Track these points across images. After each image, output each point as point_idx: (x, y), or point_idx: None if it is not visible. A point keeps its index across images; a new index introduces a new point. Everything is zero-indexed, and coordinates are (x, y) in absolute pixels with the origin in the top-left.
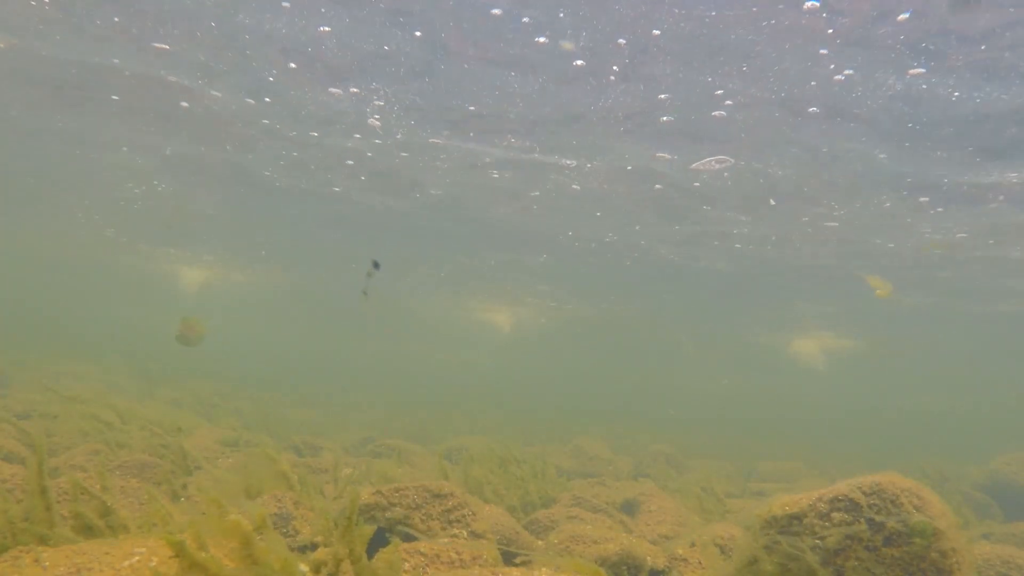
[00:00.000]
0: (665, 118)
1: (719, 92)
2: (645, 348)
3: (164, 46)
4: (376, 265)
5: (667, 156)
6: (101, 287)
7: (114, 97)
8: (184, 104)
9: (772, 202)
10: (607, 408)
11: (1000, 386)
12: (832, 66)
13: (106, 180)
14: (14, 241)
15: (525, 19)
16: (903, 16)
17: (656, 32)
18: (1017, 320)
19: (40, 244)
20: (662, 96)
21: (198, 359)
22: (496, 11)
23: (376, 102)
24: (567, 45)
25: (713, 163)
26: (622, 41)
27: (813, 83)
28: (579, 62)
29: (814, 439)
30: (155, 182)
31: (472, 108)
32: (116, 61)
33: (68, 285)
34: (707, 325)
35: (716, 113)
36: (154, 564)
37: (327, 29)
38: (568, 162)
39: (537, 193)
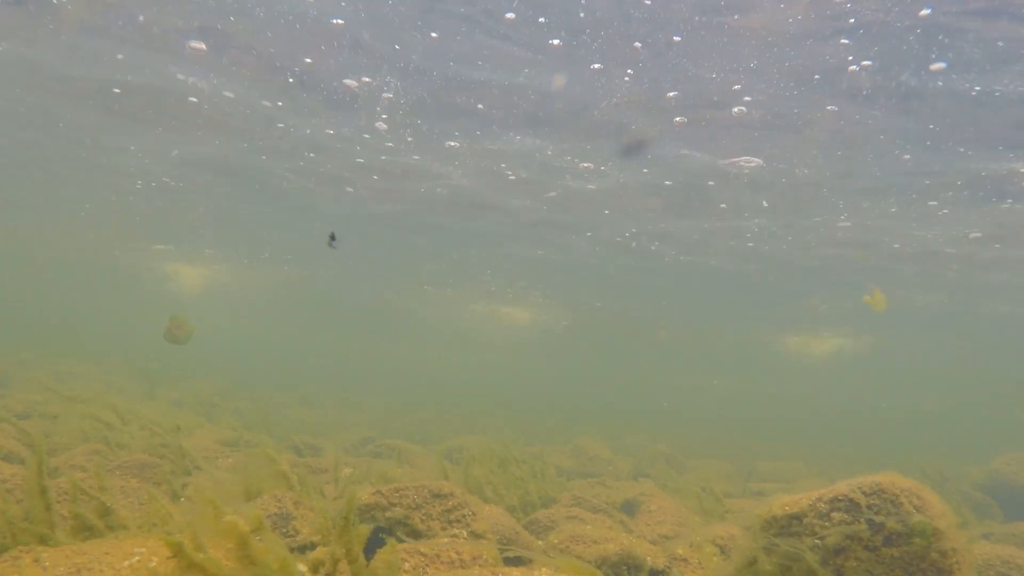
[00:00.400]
0: (679, 119)
1: (736, 87)
2: (644, 348)
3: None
4: (333, 237)
5: (692, 153)
6: (101, 287)
7: (115, 90)
8: (193, 99)
9: (764, 204)
10: (606, 408)
11: (1000, 386)
12: (851, 57)
13: (110, 179)
14: (15, 241)
15: (541, 19)
16: (924, 12)
17: (676, 38)
18: (1018, 319)
19: (41, 244)
20: (673, 93)
21: (198, 359)
22: (510, 15)
23: (385, 95)
24: (559, 80)
25: (741, 162)
26: (638, 44)
27: (820, 76)
28: (596, 65)
29: (814, 439)
30: (166, 179)
31: (481, 107)
32: (120, 56)
33: (68, 285)
34: (707, 324)
35: (736, 109)
36: (154, 564)
37: (340, 22)
38: (586, 164)
39: (554, 193)
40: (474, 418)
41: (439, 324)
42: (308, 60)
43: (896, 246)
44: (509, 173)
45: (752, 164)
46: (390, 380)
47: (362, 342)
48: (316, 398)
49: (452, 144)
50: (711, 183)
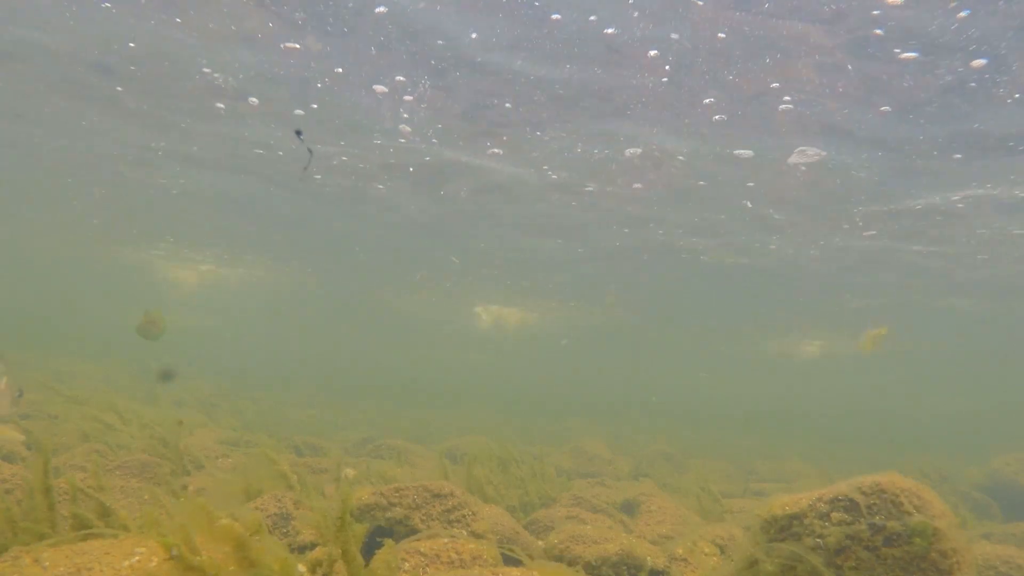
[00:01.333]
0: (717, 117)
1: (775, 85)
2: (641, 346)
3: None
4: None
5: (749, 153)
6: (101, 286)
7: (118, 89)
8: (220, 105)
9: (748, 204)
10: (604, 406)
11: (1000, 386)
12: (897, 50)
13: (121, 177)
14: (15, 240)
15: (592, 17)
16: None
17: (721, 35)
18: (1019, 319)
19: (41, 243)
20: (709, 101)
21: (198, 359)
22: (556, 16)
23: (406, 97)
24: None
25: (809, 153)
26: (675, 35)
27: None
28: (653, 52)
29: (814, 439)
30: (180, 181)
31: (512, 115)
32: (132, 45)
33: (68, 284)
34: (710, 323)
35: (783, 107)
36: (154, 564)
37: (383, 9)
38: (633, 151)
39: (591, 188)
40: (473, 417)
41: (439, 324)
42: (339, 70)
43: (916, 248)
44: (549, 171)
45: (812, 154)
46: (390, 380)
47: (362, 342)
48: (316, 398)
49: (494, 151)
50: (751, 184)
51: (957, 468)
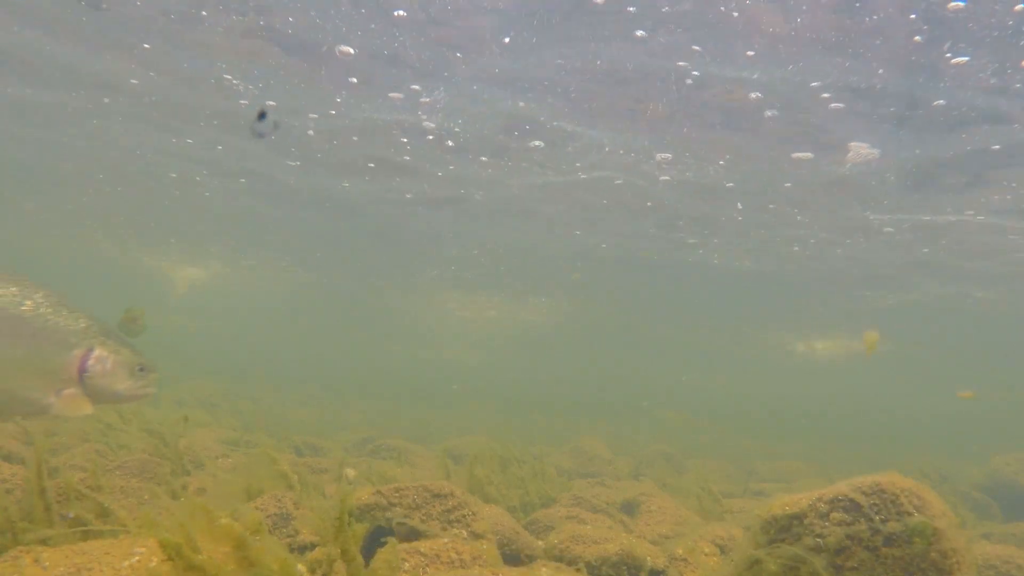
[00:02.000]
0: (769, 113)
1: (815, 84)
2: (637, 345)
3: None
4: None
5: (808, 155)
6: (99, 285)
7: (132, 80)
8: (243, 102)
9: (739, 206)
10: (605, 406)
11: (1000, 386)
12: (948, 54)
13: (112, 171)
14: (15, 238)
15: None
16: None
17: (750, 53)
18: (1019, 319)
19: (41, 242)
20: (755, 95)
21: (198, 359)
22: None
23: (423, 99)
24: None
25: (863, 149)
26: (696, 48)
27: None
28: (682, 62)
29: (814, 439)
30: (196, 178)
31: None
32: (146, 46)
33: (70, 284)
34: (711, 323)
35: (833, 106)
36: (154, 564)
37: (403, 13)
38: (665, 155)
39: (620, 181)
40: (473, 417)
41: (437, 324)
42: (353, 80)
43: (925, 250)
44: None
45: (865, 151)
46: (390, 380)
47: (362, 342)
48: (316, 398)
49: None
50: (788, 185)
51: (957, 468)
